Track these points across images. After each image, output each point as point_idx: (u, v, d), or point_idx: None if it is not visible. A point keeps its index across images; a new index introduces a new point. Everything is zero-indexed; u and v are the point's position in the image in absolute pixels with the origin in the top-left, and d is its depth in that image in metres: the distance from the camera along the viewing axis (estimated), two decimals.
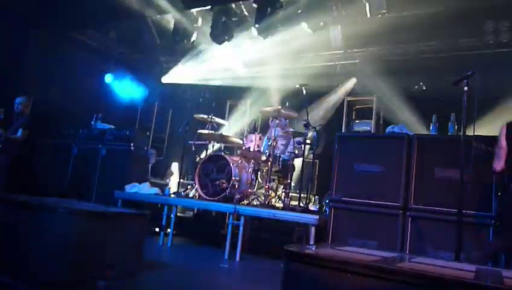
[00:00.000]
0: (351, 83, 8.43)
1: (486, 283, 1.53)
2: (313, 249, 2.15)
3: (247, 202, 5.60)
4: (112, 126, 7.60)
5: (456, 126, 4.38)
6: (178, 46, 8.74)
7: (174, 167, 9.46)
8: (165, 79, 10.22)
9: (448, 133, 4.40)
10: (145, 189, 5.98)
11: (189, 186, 6.45)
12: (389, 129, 4.90)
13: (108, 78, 9.81)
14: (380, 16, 6.71)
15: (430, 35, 7.05)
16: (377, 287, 1.54)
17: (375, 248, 3.92)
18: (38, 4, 6.76)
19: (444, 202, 3.90)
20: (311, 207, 5.97)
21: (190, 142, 6.80)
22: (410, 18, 6.64)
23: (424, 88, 7.60)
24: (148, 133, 9.86)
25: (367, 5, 6.67)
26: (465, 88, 3.20)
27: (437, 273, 1.56)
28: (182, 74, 9.87)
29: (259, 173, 6.20)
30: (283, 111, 5.93)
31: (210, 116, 6.43)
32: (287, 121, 6.61)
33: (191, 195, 6.04)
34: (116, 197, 5.91)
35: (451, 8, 6.20)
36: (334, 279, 1.65)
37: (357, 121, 7.87)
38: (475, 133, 3.48)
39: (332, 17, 7.21)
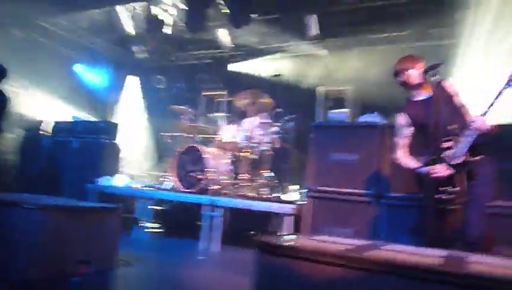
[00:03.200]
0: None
1: (453, 270, 1.55)
2: (284, 239, 2.14)
3: (225, 192, 5.57)
4: (83, 118, 7.43)
5: None
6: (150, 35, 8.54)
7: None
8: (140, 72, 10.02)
9: None
10: (117, 181, 5.87)
11: (164, 178, 6.37)
12: (362, 118, 4.93)
13: (77, 67, 9.53)
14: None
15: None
16: (346, 276, 1.54)
17: (351, 236, 3.96)
18: None
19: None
20: (288, 197, 5.97)
21: (164, 134, 6.70)
22: None
23: None
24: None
25: None
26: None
27: (403, 261, 1.56)
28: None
29: (236, 163, 6.15)
30: (259, 99, 5.88)
31: (185, 107, 6.34)
32: (266, 112, 6.55)
33: (166, 187, 5.96)
34: (89, 191, 5.78)
35: None
36: (305, 270, 1.65)
37: (333, 111, 7.85)
38: None
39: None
